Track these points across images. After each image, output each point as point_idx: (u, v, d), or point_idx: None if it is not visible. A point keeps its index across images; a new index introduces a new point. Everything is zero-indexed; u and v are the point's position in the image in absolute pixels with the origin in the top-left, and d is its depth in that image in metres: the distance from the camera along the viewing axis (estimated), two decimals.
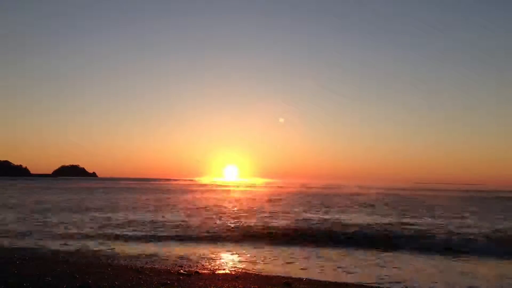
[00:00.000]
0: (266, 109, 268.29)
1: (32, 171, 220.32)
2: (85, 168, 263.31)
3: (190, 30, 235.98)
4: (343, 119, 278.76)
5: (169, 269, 11.13)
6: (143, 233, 18.18)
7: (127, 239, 16.75)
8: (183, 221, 22.44)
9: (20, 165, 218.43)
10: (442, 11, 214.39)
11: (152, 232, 18.57)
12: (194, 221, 22.41)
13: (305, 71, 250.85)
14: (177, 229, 19.34)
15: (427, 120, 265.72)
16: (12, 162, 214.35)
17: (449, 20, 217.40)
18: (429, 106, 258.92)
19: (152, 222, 22.07)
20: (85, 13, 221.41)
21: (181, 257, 13.23)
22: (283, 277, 10.50)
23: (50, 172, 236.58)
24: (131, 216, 24.93)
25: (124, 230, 19.07)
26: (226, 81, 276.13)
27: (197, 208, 31.16)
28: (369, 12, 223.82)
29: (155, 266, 11.67)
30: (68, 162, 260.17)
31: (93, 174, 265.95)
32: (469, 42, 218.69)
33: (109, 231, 18.69)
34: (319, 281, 10.23)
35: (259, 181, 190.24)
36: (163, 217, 24.68)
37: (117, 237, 17.10)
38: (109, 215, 25.48)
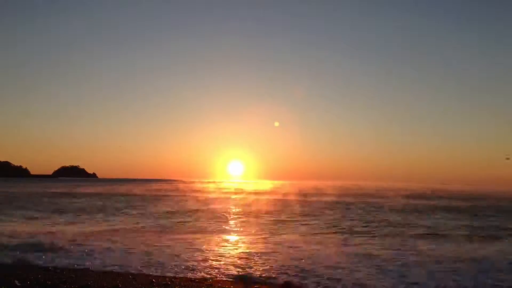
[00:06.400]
0: (263, 112, 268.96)
1: (32, 172, 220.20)
2: (85, 169, 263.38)
3: (192, 33, 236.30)
4: (341, 121, 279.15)
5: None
6: None
7: None
8: None
9: (20, 166, 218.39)
10: (436, 13, 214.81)
11: None
12: None
13: (302, 73, 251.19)
14: None
15: (426, 120, 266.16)
16: (12, 163, 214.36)
17: (446, 22, 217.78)
18: (428, 108, 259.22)
19: None
20: (85, 13, 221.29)
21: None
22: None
23: (50, 172, 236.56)
24: None
25: None
26: (224, 83, 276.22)
27: None
28: (365, 13, 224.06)
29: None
30: (68, 163, 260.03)
31: (93, 175, 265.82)
32: (470, 41, 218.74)
33: None
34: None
35: (268, 182, 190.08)
36: None
37: None
38: None
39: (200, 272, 10.60)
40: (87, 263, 11.32)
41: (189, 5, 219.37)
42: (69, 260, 11.70)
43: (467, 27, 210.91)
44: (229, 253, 13.51)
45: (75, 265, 11.07)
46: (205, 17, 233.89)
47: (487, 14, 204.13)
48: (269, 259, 12.56)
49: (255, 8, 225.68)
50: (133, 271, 10.33)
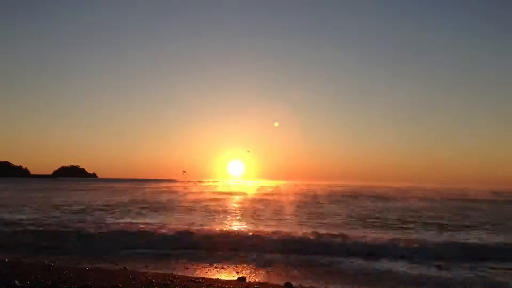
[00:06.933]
0: (262, 113, 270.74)
1: (32, 172, 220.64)
2: (85, 169, 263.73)
3: (191, 34, 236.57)
4: (339, 121, 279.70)
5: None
6: None
7: None
8: None
9: (20, 166, 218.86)
10: (437, 13, 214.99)
11: None
12: None
13: (302, 73, 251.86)
14: None
15: (426, 120, 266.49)
16: (12, 163, 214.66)
17: (447, 22, 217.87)
18: (428, 108, 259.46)
19: None
20: (84, 14, 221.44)
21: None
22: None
23: (50, 172, 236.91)
24: None
25: None
26: (224, 83, 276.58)
27: None
28: (365, 14, 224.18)
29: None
30: (68, 163, 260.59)
31: (93, 175, 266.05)
32: (470, 41, 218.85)
33: None
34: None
35: (269, 183, 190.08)
36: None
37: None
38: None
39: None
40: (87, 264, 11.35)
41: (189, 6, 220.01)
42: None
43: (467, 27, 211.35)
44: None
45: (75, 265, 11.11)
46: (204, 17, 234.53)
47: (487, 14, 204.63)
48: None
49: (255, 9, 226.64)
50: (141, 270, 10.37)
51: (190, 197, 46.76)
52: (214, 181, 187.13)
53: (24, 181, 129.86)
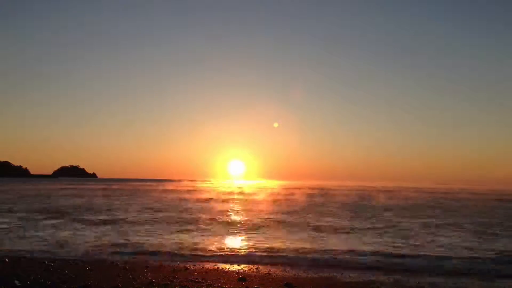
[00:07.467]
0: (261, 114, 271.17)
1: (32, 172, 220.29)
2: (85, 169, 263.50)
3: (192, 35, 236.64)
4: (338, 122, 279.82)
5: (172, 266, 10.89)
6: None
7: None
8: None
9: (20, 166, 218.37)
10: (440, 13, 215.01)
11: None
12: None
13: (300, 74, 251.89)
14: None
15: (425, 121, 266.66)
16: (12, 163, 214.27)
17: (456, 22, 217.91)
18: (427, 108, 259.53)
19: None
20: (85, 15, 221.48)
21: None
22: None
23: (50, 172, 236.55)
24: None
25: None
26: (223, 85, 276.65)
27: None
28: (366, 14, 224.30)
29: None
30: (68, 163, 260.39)
31: (93, 175, 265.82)
32: (470, 43, 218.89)
33: None
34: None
35: (272, 183, 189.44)
36: None
37: None
38: None
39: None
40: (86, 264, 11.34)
41: (189, 6, 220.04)
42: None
43: (467, 27, 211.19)
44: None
45: (76, 265, 11.09)
46: (205, 18, 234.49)
47: (487, 14, 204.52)
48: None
49: (256, 10, 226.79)
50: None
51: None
52: (209, 181, 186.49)
53: (27, 181, 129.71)
